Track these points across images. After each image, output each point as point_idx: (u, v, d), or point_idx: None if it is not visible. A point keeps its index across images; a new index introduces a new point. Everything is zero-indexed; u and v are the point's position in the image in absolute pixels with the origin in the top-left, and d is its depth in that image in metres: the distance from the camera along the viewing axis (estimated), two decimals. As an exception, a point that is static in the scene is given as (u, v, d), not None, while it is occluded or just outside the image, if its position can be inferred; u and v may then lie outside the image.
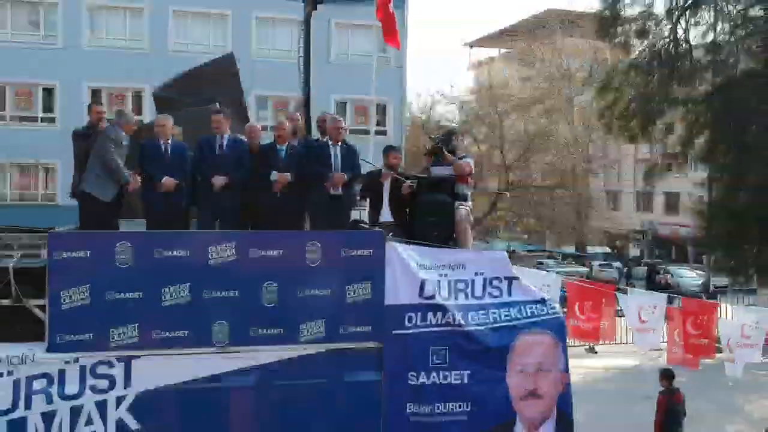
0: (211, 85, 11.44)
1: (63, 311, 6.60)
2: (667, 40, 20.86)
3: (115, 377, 6.70)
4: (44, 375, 6.59)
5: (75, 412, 6.62)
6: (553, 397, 7.62)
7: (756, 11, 20.52)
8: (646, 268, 41.38)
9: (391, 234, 7.53)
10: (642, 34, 21.15)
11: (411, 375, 7.28)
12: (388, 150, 8.50)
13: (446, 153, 8.40)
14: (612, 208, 57.10)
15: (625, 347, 20.34)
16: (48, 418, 6.57)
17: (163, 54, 28.54)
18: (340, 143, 8.22)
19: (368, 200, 8.82)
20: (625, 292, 10.40)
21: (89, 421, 6.65)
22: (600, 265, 43.68)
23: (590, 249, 48.50)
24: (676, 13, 20.75)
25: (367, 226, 8.27)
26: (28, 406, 6.55)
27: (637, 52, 21.66)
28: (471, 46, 71.02)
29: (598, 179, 52.53)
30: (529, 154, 36.80)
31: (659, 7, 21.64)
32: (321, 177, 8.01)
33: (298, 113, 9.94)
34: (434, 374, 7.33)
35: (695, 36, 21.12)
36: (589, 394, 16.49)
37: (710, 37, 20.79)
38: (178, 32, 29.71)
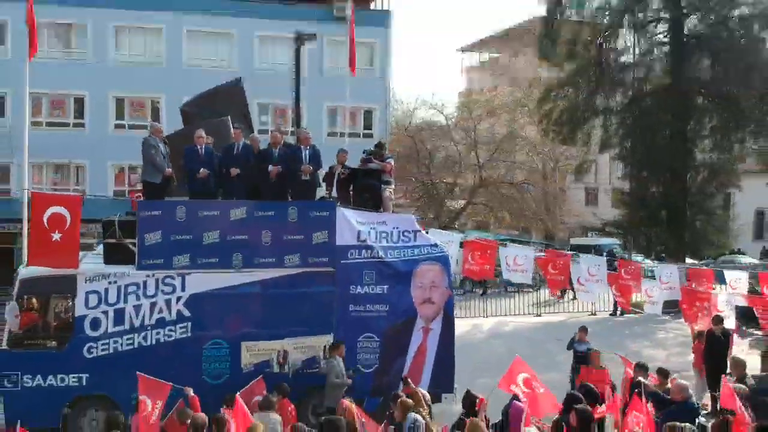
0: (223, 103, 15.59)
1: (146, 246, 11.29)
2: (592, 60, 25.52)
3: (176, 285, 11.40)
4: (135, 284, 11.29)
5: (152, 305, 11.33)
6: (440, 303, 12.30)
7: (663, 38, 25.24)
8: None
9: (339, 203, 12.20)
10: (572, 55, 25.78)
11: (352, 287, 11.96)
12: (339, 151, 13.04)
13: (375, 159, 13.02)
14: (590, 204, 61.37)
15: (560, 314, 25.17)
16: (137, 308, 11.28)
17: (177, 68, 32.68)
18: (308, 147, 12.73)
19: (328, 183, 13.39)
20: (504, 245, 15.02)
21: (161, 311, 11.37)
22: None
23: (600, 241, 51.72)
24: (599, 38, 25.43)
25: (327, 199, 12.90)
26: (125, 301, 11.26)
27: (568, 70, 26.26)
28: (463, 51, 75.26)
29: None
30: (499, 154, 40.98)
31: (587, 30, 26.27)
32: (296, 169, 12.52)
33: (282, 126, 14.42)
34: (366, 287, 12.02)
35: (615, 56, 25.79)
36: (516, 338, 21.32)
37: (626, 57, 25.47)
38: (191, 49, 33.71)
